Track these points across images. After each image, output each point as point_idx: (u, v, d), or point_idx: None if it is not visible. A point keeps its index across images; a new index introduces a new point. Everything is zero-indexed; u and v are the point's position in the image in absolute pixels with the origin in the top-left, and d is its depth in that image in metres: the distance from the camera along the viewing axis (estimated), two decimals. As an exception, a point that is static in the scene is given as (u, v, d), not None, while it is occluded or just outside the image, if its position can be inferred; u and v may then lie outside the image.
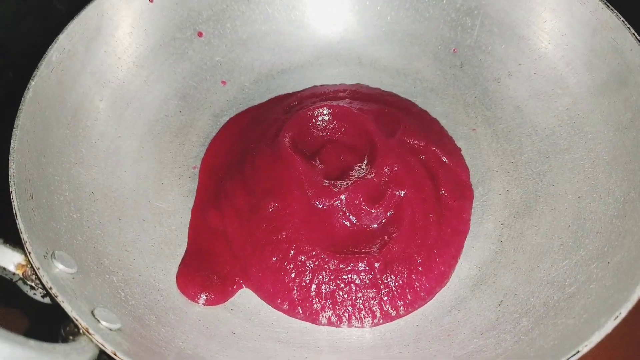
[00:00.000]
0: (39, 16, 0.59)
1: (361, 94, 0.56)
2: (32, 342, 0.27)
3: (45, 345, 0.28)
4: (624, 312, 0.32)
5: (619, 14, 0.45)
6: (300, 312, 0.44)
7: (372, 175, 0.48)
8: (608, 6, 0.45)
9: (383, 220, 0.47)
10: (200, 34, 0.56)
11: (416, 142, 0.51)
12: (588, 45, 0.47)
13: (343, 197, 0.47)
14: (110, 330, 0.34)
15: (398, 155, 0.49)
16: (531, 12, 0.51)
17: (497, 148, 0.52)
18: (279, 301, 0.44)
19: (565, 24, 0.49)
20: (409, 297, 0.44)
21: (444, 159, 0.50)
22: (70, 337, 0.32)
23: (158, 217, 0.48)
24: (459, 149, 0.52)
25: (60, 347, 0.29)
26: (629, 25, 0.44)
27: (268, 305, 0.44)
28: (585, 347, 0.31)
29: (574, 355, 0.31)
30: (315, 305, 0.44)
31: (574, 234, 0.43)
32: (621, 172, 0.43)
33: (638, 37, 0.43)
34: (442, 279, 0.45)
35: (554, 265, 0.42)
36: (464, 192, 0.50)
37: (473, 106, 0.54)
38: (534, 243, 0.45)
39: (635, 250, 0.37)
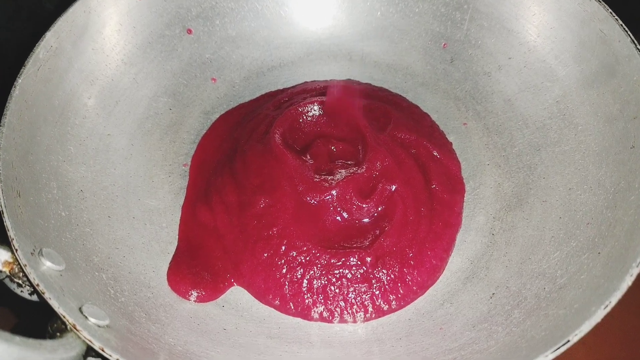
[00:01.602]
0: (29, 16, 0.59)
1: None
2: (17, 338, 0.26)
3: (32, 341, 0.27)
4: (613, 300, 0.32)
5: (606, 6, 0.45)
6: (292, 307, 0.43)
7: (363, 170, 0.47)
8: (595, -3, 0.45)
9: (375, 215, 0.47)
10: (189, 31, 0.56)
11: (407, 136, 0.51)
12: (576, 38, 0.48)
13: (334, 192, 0.46)
14: (99, 326, 0.34)
15: (389, 150, 0.49)
16: (520, 6, 0.51)
17: (488, 142, 0.52)
18: (271, 297, 0.44)
19: (553, 17, 0.49)
20: (401, 291, 0.44)
21: (435, 153, 0.50)
22: (58, 334, 0.31)
23: (148, 214, 0.48)
24: (450, 143, 0.52)
25: (47, 343, 0.29)
26: (616, 17, 0.44)
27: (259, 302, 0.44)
28: (575, 337, 0.31)
29: (564, 344, 0.31)
30: (307, 301, 0.43)
31: (565, 225, 0.43)
32: (611, 162, 0.43)
33: (625, 29, 0.43)
34: (434, 272, 0.45)
35: (545, 257, 0.42)
36: (456, 186, 0.50)
37: (464, 100, 0.54)
38: (526, 235, 0.45)
39: (624, 239, 0.37)
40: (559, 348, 0.31)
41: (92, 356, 0.33)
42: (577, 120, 0.47)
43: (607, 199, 0.41)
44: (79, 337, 0.31)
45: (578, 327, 0.31)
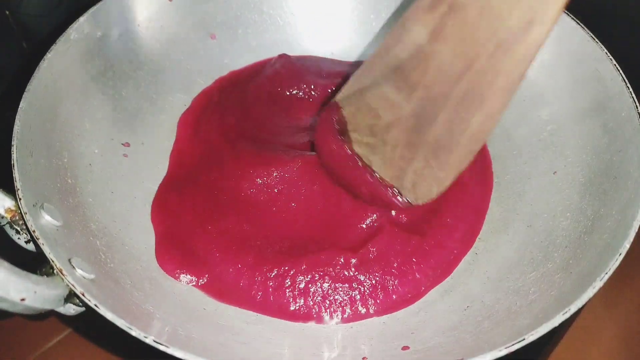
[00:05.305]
0: (69, 8, 0.63)
1: None
2: (5, 263, 0.28)
3: (18, 269, 0.29)
4: (573, 308, 0.33)
5: (602, 46, 0.47)
6: (272, 300, 0.45)
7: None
8: (593, 38, 0.48)
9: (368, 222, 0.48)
10: (212, 36, 0.59)
11: None
12: (573, 75, 0.50)
13: (326, 196, 0.48)
14: (84, 278, 0.35)
15: None
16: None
17: (482, 168, 0.54)
18: (254, 292, 0.45)
19: (554, 55, 0.51)
20: (380, 297, 0.45)
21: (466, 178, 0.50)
22: (45, 277, 0.33)
23: (149, 197, 0.50)
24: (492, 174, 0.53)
25: (32, 275, 0.30)
26: (611, 57, 0.46)
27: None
28: (531, 336, 0.32)
29: (519, 342, 0.32)
30: (287, 295, 0.45)
31: (544, 248, 0.44)
32: (594, 192, 0.44)
33: (618, 68, 0.45)
34: (416, 285, 0.46)
35: (522, 277, 0.43)
36: (467, 215, 0.49)
37: (464, 128, 0.56)
38: (507, 256, 0.46)
39: (595, 260, 0.38)
40: (513, 345, 0.32)
41: (74, 304, 0.35)
42: (567, 152, 0.48)
43: (586, 225, 0.42)
44: (63, 281, 0.33)
45: (535, 329, 0.32)
